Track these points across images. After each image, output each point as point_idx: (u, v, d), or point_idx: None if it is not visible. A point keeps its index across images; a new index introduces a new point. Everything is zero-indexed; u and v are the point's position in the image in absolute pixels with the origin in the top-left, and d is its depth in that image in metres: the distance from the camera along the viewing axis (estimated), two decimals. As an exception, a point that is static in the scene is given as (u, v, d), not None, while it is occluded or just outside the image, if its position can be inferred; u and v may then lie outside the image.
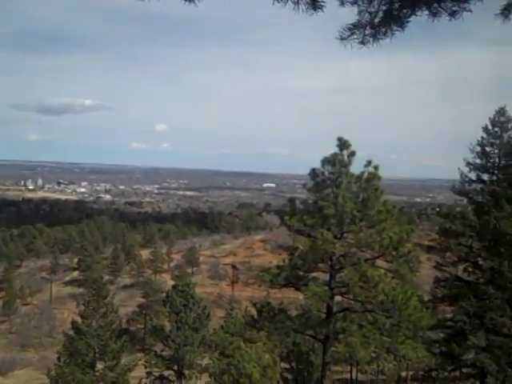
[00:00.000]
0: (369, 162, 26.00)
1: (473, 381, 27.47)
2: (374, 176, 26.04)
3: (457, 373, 27.92)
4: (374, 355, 25.64)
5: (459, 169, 25.96)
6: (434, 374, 26.56)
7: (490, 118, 25.49)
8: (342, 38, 4.28)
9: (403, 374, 34.54)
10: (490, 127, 25.58)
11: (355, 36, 4.85)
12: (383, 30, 4.92)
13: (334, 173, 26.24)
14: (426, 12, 4.90)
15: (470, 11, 4.86)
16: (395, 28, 4.95)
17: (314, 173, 27.08)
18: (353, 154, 26.09)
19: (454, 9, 4.37)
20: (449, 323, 26.90)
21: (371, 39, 4.91)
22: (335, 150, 25.14)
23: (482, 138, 25.63)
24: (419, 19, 4.75)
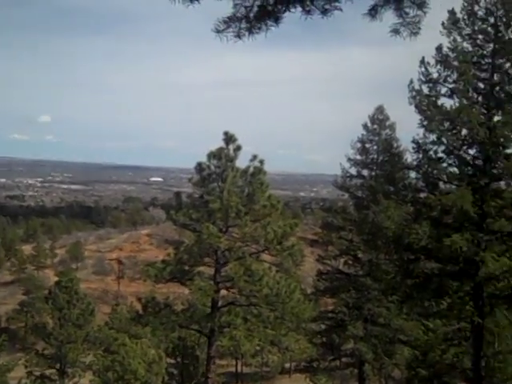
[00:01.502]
0: (254, 157, 26.62)
1: (351, 369, 28.49)
2: (259, 170, 26.64)
3: (337, 362, 28.81)
4: (258, 348, 25.95)
5: (341, 164, 26.83)
6: (315, 364, 27.28)
7: (369, 116, 26.50)
8: (218, 31, 4.24)
9: (287, 365, 35.31)
10: (369, 124, 26.65)
11: (231, 29, 4.78)
12: (258, 24, 4.88)
13: (219, 167, 26.63)
14: (300, 9, 4.92)
15: (341, 10, 4.93)
16: (270, 23, 4.92)
17: (199, 167, 27.35)
18: (239, 148, 26.55)
19: (326, 7, 4.42)
20: (330, 315, 27.96)
21: (247, 33, 4.86)
22: (221, 144, 25.17)
23: (362, 134, 26.60)
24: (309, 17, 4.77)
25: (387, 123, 28.44)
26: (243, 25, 5.17)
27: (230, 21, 5.15)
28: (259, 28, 5.26)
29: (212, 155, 28.60)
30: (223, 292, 29.33)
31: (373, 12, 5.44)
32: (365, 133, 28.99)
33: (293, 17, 5.22)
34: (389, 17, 5.12)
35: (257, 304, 27.64)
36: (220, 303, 28.59)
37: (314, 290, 30.76)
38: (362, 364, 28.40)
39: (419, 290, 19.56)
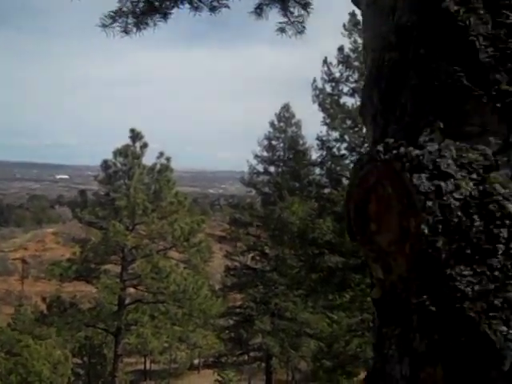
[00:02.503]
0: (161, 154, 26.58)
1: (259, 363, 28.77)
2: (166, 168, 26.62)
3: (245, 357, 29.04)
4: (166, 345, 25.76)
5: (248, 161, 27.08)
6: (223, 359, 27.43)
7: (275, 114, 26.87)
8: (104, 26, 4.17)
9: (195, 361, 35.23)
10: (275, 122, 27.01)
11: (118, 24, 4.74)
12: (146, 20, 4.88)
13: (126, 164, 26.42)
14: (188, 6, 4.96)
15: (228, 7, 5.02)
16: (158, 19, 4.93)
17: (105, 164, 26.88)
18: (145, 145, 26.38)
19: (214, 4, 4.48)
20: (237, 310, 28.29)
21: (134, 28, 4.84)
22: (128, 141, 24.93)
23: (269, 132, 26.96)
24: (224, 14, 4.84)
25: (293, 121, 29.08)
26: (130, 20, 5.15)
27: (115, 15, 5.11)
28: (147, 24, 5.26)
29: (118, 152, 28.49)
30: (130, 290, 29.14)
31: (258, 10, 5.55)
32: (271, 130, 29.49)
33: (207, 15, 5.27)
34: (275, 15, 5.22)
35: (164, 301, 27.83)
36: (127, 301, 28.56)
37: (221, 286, 30.89)
38: (269, 358, 29.08)
39: (323, 283, 20.27)
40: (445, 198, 1.09)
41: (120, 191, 27.84)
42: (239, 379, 33.62)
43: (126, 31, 5.14)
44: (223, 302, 30.25)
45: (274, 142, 30.88)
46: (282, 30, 5.69)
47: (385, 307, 1.25)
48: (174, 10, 5.33)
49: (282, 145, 30.81)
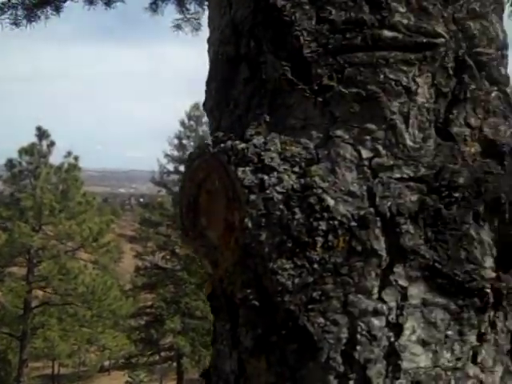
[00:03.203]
0: (69, 153, 25.73)
1: (170, 363, 28.55)
2: (74, 167, 25.96)
3: (156, 357, 28.70)
4: (74, 348, 25.01)
5: (158, 160, 26.79)
6: (134, 360, 26.99)
7: (186, 112, 26.73)
8: (-8, 17, 4.01)
9: (106, 363, 34.43)
10: (186, 121, 26.81)
11: (7, 16, 4.54)
12: (37, 12, 4.69)
13: (32, 163, 25.33)
14: (83, -1, 4.82)
15: (123, 1, 4.90)
16: (51, 12, 4.75)
17: (10, 163, 25.71)
18: (52, 144, 25.32)
19: (108, -2, 4.41)
20: (148, 310, 27.82)
21: (25, 21, 4.65)
22: (34, 139, 24.08)
23: (179, 131, 26.77)
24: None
25: (203, 120, 28.93)
26: (20, 12, 4.95)
27: (4, 7, 4.90)
28: (38, 16, 5.07)
29: (23, 151, 27.54)
30: (37, 292, 28.18)
31: (154, 6, 5.47)
32: (182, 129, 29.22)
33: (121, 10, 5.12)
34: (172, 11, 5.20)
35: (72, 303, 27.16)
36: (33, 304, 27.43)
37: (132, 286, 30.39)
38: (180, 357, 28.92)
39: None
40: (268, 192, 1.09)
41: (25, 191, 26.92)
42: (150, 379, 33.23)
43: (15, 23, 4.94)
44: (133, 302, 29.79)
45: (184, 141, 30.67)
46: (178, 27, 5.63)
47: (215, 302, 1.24)
48: (68, 4, 5.17)
49: (192, 144, 30.67)
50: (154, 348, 30.87)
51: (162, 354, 32.12)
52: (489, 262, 1.07)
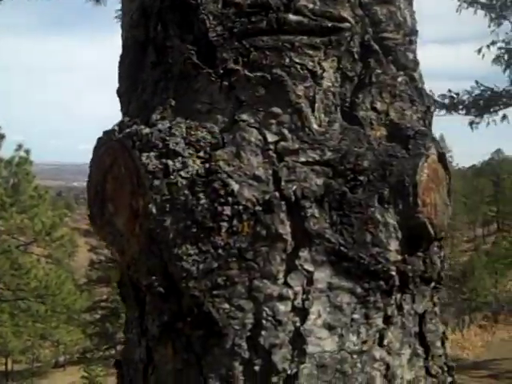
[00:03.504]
0: (19, 146, 25.10)
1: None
2: (25, 160, 25.16)
3: (112, 351, 28.43)
4: (28, 343, 24.53)
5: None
6: (89, 354, 26.69)
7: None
8: None
9: (60, 358, 33.91)
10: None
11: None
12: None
13: (-19, 157, 24.54)
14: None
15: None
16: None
17: (-42, 157, 25.02)
18: (2, 137, 24.64)
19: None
20: (103, 304, 27.33)
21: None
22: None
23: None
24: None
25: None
26: None
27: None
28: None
29: (-28, 144, 26.56)
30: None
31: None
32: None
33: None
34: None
35: (25, 298, 26.59)
36: (-16, 300, 26.79)
37: (86, 280, 30.03)
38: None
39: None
40: (172, 177, 1.06)
41: (-25, 185, 26.29)
42: (106, 374, 32.95)
43: None
44: (88, 296, 29.46)
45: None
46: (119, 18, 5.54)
47: (124, 290, 1.21)
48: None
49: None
50: (110, 342, 30.66)
51: (118, 347, 31.89)
52: (394, 244, 1.07)
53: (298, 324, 1.03)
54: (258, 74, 1.08)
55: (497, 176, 75.36)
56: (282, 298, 1.04)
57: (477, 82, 17.81)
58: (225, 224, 1.05)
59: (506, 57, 17.64)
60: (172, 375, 1.09)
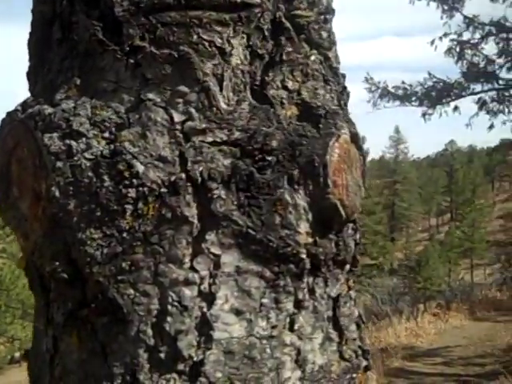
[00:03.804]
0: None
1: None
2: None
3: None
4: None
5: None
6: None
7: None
8: None
9: (16, 354, 33.24)
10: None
11: None
12: None
13: None
14: None
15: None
16: None
17: None
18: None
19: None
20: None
21: None
22: None
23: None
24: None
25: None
26: None
27: None
28: None
29: None
30: None
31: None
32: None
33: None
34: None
35: (-22, 293, 25.81)
36: None
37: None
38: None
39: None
40: (76, 158, 1.02)
41: None
42: (63, 368, 32.47)
43: None
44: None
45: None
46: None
47: (30, 278, 1.16)
48: None
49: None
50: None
51: (75, 341, 31.46)
52: (304, 227, 1.05)
53: (204, 309, 1.00)
54: (165, 51, 1.04)
55: (450, 167, 76.88)
56: (187, 282, 1.00)
57: (429, 74, 18.05)
58: (130, 207, 1.01)
59: (457, 49, 17.92)
60: (77, 365, 1.05)
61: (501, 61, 17.70)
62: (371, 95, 18.46)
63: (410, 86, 18.13)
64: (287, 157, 1.03)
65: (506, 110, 17.93)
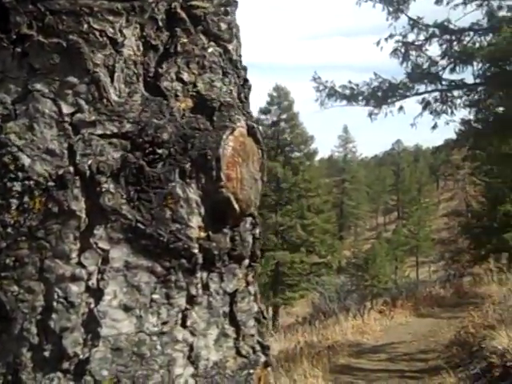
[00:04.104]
0: None
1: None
2: None
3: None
4: None
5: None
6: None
7: None
8: None
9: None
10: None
11: None
12: None
13: None
14: None
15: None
16: None
17: None
18: None
19: None
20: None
21: None
22: None
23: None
24: None
25: None
26: None
27: None
28: None
29: None
30: None
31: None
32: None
33: None
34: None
35: None
36: None
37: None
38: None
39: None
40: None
41: None
42: None
43: None
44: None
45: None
46: None
47: None
48: None
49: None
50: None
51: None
52: (196, 221, 1.03)
53: (92, 306, 0.98)
54: (53, 40, 1.01)
55: (397, 166, 78.32)
56: (74, 278, 0.98)
57: (375, 74, 18.31)
58: (15, 201, 0.98)
59: (402, 50, 18.24)
60: (-39, 365, 1.01)
61: (444, 62, 18.11)
62: (319, 94, 18.64)
63: (357, 85, 18.36)
64: (179, 150, 1.01)
65: (449, 110, 18.35)
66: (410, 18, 18.07)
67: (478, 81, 18.10)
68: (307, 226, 40.85)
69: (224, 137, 1.04)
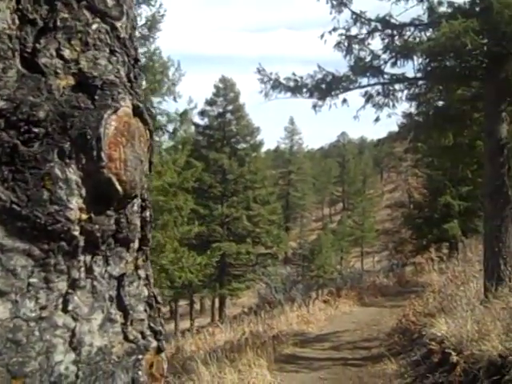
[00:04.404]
0: None
1: None
2: None
3: None
4: None
5: None
6: None
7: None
8: None
9: None
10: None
11: None
12: None
13: None
14: None
15: None
16: None
17: None
18: None
19: None
20: None
21: None
22: None
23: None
24: None
25: None
26: None
27: None
28: None
29: None
30: None
31: None
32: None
33: None
34: None
35: None
36: None
37: None
38: None
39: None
40: None
41: None
42: None
43: None
44: None
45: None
46: None
47: None
48: None
49: None
50: None
51: None
52: (76, 202, 0.99)
53: (-38, 292, 0.93)
54: None
55: (342, 158, 79.33)
56: None
57: (319, 67, 18.44)
58: None
59: (345, 43, 18.41)
60: None
61: (386, 56, 18.37)
62: (263, 86, 18.65)
63: (301, 77, 18.46)
64: (57, 129, 0.97)
65: (391, 103, 18.64)
66: (352, 12, 18.26)
67: (418, 75, 18.44)
68: (253, 217, 40.98)
69: (105, 116, 1.00)
